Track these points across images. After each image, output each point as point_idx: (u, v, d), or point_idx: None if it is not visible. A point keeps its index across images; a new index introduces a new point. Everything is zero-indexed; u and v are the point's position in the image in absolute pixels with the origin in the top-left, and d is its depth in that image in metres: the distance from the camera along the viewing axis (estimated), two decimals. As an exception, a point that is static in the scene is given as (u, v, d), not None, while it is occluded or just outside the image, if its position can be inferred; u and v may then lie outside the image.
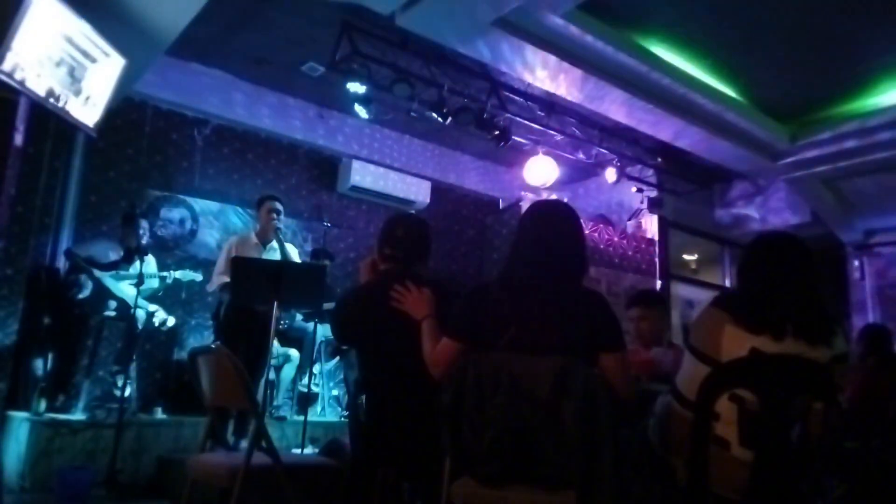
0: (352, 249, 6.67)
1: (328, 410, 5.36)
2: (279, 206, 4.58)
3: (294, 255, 4.63)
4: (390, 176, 6.70)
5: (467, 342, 1.98)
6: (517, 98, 5.59)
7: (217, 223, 5.90)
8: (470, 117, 5.38)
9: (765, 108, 5.70)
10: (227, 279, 4.26)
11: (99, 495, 3.62)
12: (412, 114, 5.40)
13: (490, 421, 1.78)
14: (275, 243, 4.53)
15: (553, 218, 2.08)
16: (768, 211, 7.14)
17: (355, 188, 6.53)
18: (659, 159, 6.69)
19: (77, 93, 3.71)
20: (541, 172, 6.44)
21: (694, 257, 8.63)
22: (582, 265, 2.08)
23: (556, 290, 1.95)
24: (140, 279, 4.18)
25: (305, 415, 4.48)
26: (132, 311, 4.21)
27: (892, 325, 5.28)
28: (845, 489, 3.01)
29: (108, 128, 4.85)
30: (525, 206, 6.97)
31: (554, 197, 7.17)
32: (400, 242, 2.48)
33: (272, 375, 4.86)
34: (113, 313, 4.63)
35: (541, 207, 2.19)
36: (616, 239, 6.89)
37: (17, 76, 3.24)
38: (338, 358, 5.54)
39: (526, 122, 5.82)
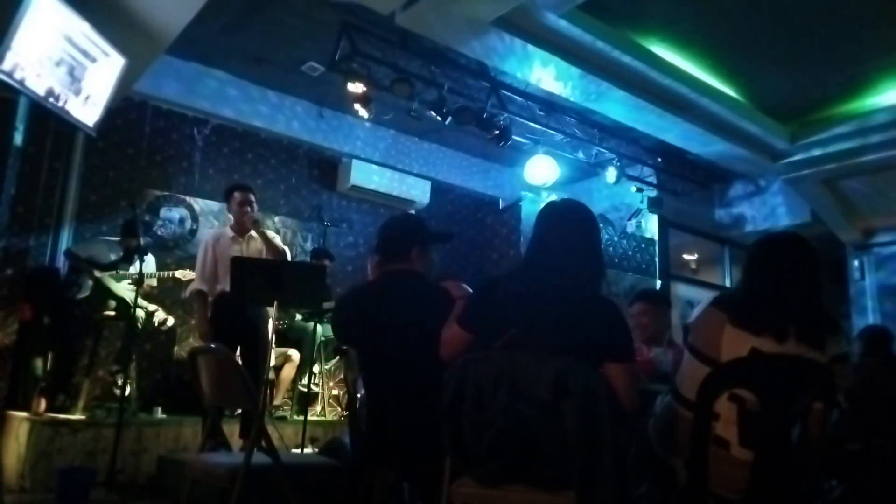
0: (352, 249, 6.68)
1: (328, 410, 5.36)
2: (251, 197, 4.31)
3: (278, 241, 4.35)
4: (390, 176, 6.70)
5: (473, 332, 1.99)
6: (517, 98, 5.59)
7: (217, 223, 5.90)
8: (470, 117, 5.38)
9: (765, 108, 5.70)
10: (200, 286, 4.19)
11: (99, 495, 3.61)
12: (412, 114, 5.39)
13: (490, 421, 1.78)
14: (253, 233, 4.27)
15: (572, 220, 2.04)
16: (768, 211, 7.14)
17: (355, 188, 6.54)
18: (659, 159, 6.69)
19: (77, 92, 3.71)
20: (541, 172, 6.43)
21: (694, 257, 8.62)
22: (599, 272, 2.04)
23: (569, 295, 1.93)
24: (140, 279, 4.17)
25: (305, 415, 4.48)
26: (132, 310, 4.21)
27: (893, 325, 5.27)
28: (845, 490, 3.01)
29: (108, 128, 4.86)
30: (525, 206, 7.00)
31: (554, 196, 7.18)
32: (386, 246, 2.50)
33: (272, 375, 4.86)
34: (112, 313, 4.63)
35: (560, 207, 2.14)
36: (616, 239, 6.89)
37: (17, 76, 3.24)
38: (338, 358, 5.54)
39: (526, 122, 5.81)
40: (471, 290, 2.34)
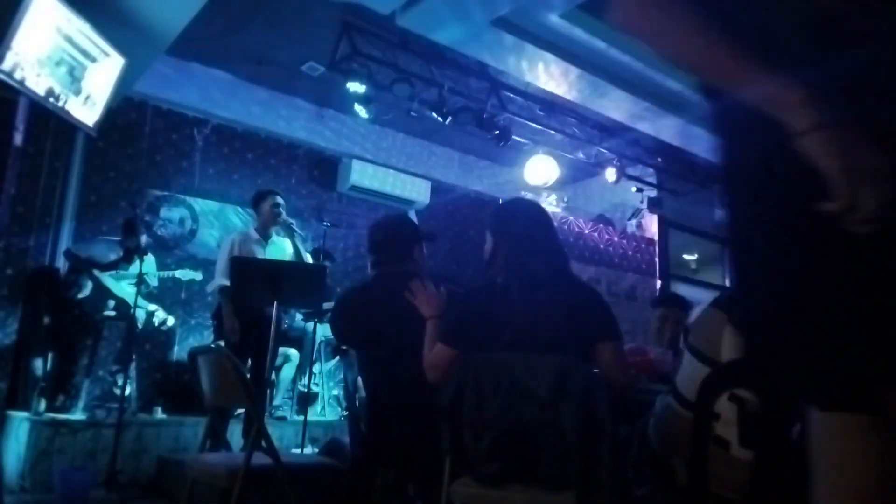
0: (352, 249, 6.67)
1: (328, 410, 5.36)
2: (281, 200, 4.58)
3: (303, 250, 4.58)
4: (390, 176, 6.69)
5: (460, 348, 1.99)
6: (517, 98, 5.59)
7: (217, 223, 5.90)
8: (470, 117, 5.38)
9: (765, 107, 5.70)
10: (226, 282, 4.28)
11: (99, 495, 3.61)
12: (412, 114, 5.40)
13: (490, 421, 1.78)
14: (275, 237, 4.54)
15: (525, 215, 2.13)
16: (768, 211, 7.13)
17: (355, 188, 6.53)
18: (659, 159, 6.69)
19: (77, 92, 3.71)
20: (541, 172, 6.44)
21: (694, 257, 8.62)
22: (563, 255, 2.13)
23: (547, 286, 1.97)
24: (140, 279, 4.17)
25: (305, 415, 4.48)
26: (132, 310, 4.21)
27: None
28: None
29: (108, 128, 4.86)
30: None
31: (553, 196, 7.19)
32: (379, 247, 2.50)
33: (272, 375, 4.86)
34: (112, 313, 4.62)
35: (510, 208, 2.24)
36: (616, 239, 6.89)
37: (17, 76, 3.24)
38: (338, 358, 5.53)
39: (526, 122, 5.82)
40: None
